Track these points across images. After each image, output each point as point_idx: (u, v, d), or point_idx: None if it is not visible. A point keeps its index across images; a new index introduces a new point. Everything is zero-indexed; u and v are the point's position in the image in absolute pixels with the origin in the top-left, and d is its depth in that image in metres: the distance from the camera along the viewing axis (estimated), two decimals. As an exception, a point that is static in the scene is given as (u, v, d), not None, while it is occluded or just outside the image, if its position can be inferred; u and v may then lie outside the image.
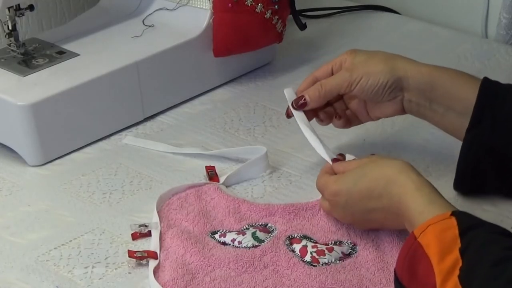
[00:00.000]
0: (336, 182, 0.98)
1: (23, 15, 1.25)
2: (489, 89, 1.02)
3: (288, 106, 1.10)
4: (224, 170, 1.13)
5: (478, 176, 1.03)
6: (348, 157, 1.05)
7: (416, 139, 1.20)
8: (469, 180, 1.04)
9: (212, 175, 1.12)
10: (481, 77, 1.04)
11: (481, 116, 1.01)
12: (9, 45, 1.25)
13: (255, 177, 1.13)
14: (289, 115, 1.11)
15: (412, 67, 1.06)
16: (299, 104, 1.08)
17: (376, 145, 1.19)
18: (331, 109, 1.12)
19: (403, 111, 1.08)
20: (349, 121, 1.12)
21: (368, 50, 1.10)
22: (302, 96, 1.08)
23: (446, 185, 1.09)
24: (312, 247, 0.98)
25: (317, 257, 0.96)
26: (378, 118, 1.11)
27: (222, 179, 1.11)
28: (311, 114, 1.10)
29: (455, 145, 1.05)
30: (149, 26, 1.32)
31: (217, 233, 1.02)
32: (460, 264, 0.79)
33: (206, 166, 1.14)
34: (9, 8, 1.22)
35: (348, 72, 1.07)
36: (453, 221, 0.83)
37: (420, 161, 1.14)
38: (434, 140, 1.19)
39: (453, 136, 1.06)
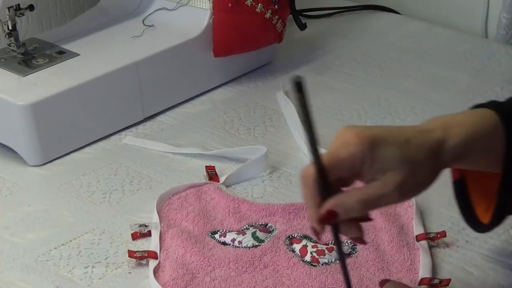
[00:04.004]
0: None
1: (23, 15, 1.25)
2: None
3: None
4: (224, 170, 1.13)
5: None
6: None
7: (416, 139, 1.20)
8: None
9: (212, 175, 1.12)
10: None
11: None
12: (9, 45, 1.25)
13: (255, 177, 1.13)
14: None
15: (449, 162, 0.86)
16: (326, 218, 0.81)
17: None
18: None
19: None
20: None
21: (377, 133, 0.83)
22: (331, 209, 0.80)
23: (444, 185, 1.09)
24: (312, 247, 0.98)
25: (317, 257, 0.96)
26: None
27: (222, 179, 1.11)
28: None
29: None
30: (149, 26, 1.32)
31: (217, 233, 1.02)
32: None
33: (206, 166, 1.14)
34: (9, 8, 1.23)
35: (398, 193, 0.81)
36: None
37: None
38: (434, 140, 1.18)
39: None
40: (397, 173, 0.81)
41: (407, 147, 0.82)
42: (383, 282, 0.87)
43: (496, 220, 0.88)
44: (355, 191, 0.81)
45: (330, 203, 0.79)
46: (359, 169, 0.80)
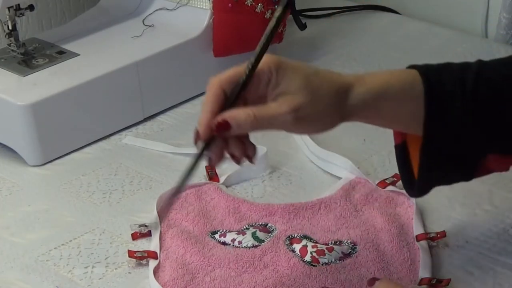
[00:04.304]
0: None
1: (23, 15, 1.25)
2: (434, 105, 0.89)
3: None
4: (224, 170, 1.13)
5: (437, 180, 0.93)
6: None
7: (416, 139, 1.20)
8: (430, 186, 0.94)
9: (212, 175, 1.12)
10: None
11: (432, 137, 0.89)
12: (9, 45, 1.25)
13: (255, 177, 1.13)
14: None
15: (358, 102, 0.87)
16: (219, 126, 0.83)
17: (376, 145, 1.19)
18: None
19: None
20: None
21: (301, 65, 0.87)
22: (224, 118, 0.83)
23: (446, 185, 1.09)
24: (312, 247, 0.98)
25: (317, 257, 0.96)
26: None
27: (222, 179, 1.11)
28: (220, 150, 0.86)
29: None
30: (149, 26, 1.32)
31: (217, 233, 1.02)
32: None
33: (206, 166, 1.13)
34: (9, 8, 1.23)
35: (292, 118, 0.84)
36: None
37: (420, 161, 1.14)
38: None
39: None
40: (296, 97, 0.83)
41: (314, 78, 0.84)
42: (371, 281, 0.88)
43: (424, 183, 0.91)
44: (252, 108, 0.83)
45: (227, 114, 0.82)
46: (265, 90, 0.84)
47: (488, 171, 0.94)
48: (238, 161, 0.86)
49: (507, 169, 0.94)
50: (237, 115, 0.83)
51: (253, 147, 0.87)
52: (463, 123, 0.89)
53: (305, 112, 0.84)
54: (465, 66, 0.93)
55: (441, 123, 0.89)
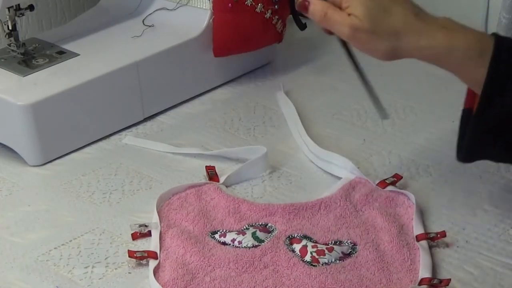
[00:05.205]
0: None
1: (23, 15, 1.25)
2: (497, 73, 0.94)
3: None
4: (224, 170, 1.13)
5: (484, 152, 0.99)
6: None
7: (416, 139, 1.20)
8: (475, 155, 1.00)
9: (212, 175, 1.12)
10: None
11: (490, 102, 0.94)
12: (9, 45, 1.25)
13: (255, 177, 1.13)
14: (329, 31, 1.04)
15: (416, 51, 0.98)
16: (301, 5, 1.00)
17: (376, 145, 1.19)
18: None
19: None
20: None
21: None
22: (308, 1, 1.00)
23: (446, 185, 1.09)
24: (312, 247, 0.98)
25: (317, 257, 0.96)
26: None
27: (222, 179, 1.11)
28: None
29: (455, 145, 1.05)
30: (149, 26, 1.32)
31: (217, 233, 1.02)
32: None
33: (206, 166, 1.14)
34: (9, 8, 1.23)
35: (349, 32, 0.99)
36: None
37: (420, 161, 1.14)
38: (434, 139, 1.19)
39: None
40: (358, 21, 0.96)
41: (379, 12, 0.97)
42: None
43: (470, 150, 0.96)
44: (329, 6, 0.99)
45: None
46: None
47: None
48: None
49: None
50: (314, 6, 0.99)
51: None
52: None
53: (361, 35, 0.98)
54: None
55: (499, 92, 0.93)
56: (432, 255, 0.97)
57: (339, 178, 1.11)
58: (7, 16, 1.23)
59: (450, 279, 0.92)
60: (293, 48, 1.46)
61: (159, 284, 0.93)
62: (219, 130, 1.24)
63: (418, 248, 0.97)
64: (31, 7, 1.25)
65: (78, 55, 1.25)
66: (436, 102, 1.29)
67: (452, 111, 1.14)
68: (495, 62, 0.93)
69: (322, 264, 0.96)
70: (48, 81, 1.19)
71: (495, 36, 0.95)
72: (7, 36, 1.25)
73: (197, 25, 1.30)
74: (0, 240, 1.03)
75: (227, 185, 1.11)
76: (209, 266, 0.96)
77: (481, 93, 0.92)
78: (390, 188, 1.08)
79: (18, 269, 0.98)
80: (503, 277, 0.94)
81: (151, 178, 1.13)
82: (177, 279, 0.93)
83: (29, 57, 1.24)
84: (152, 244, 1.00)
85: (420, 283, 0.92)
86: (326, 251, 0.97)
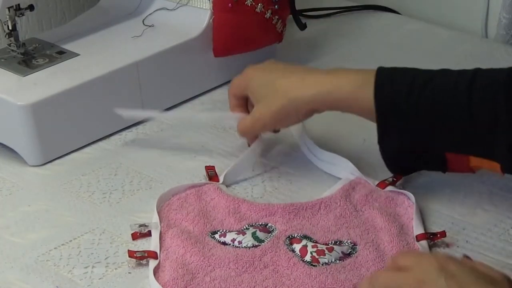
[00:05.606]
0: None
1: (23, 15, 1.25)
2: (384, 100, 1.02)
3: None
4: (221, 169, 1.13)
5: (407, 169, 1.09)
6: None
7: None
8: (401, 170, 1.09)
9: (212, 175, 1.12)
10: None
11: (386, 132, 1.03)
12: (9, 45, 1.25)
13: (252, 168, 1.13)
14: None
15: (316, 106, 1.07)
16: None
17: (376, 145, 1.18)
18: None
19: None
20: None
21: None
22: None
23: (444, 185, 1.09)
24: (312, 247, 0.98)
25: (317, 257, 0.96)
26: None
27: (221, 179, 1.11)
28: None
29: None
30: (149, 26, 1.32)
31: (217, 233, 1.02)
32: None
33: (206, 166, 1.14)
34: (9, 8, 1.22)
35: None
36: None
37: (420, 161, 1.14)
38: (434, 140, 1.19)
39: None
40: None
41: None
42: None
43: (392, 168, 1.07)
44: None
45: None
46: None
47: (457, 169, 1.03)
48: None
49: (471, 170, 1.02)
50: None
51: None
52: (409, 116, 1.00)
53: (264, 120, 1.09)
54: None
55: (390, 114, 1.01)
56: (432, 255, 0.97)
57: (339, 178, 1.11)
58: (7, 16, 1.23)
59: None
60: (293, 48, 1.46)
61: (159, 284, 0.93)
62: (219, 130, 1.24)
63: (418, 248, 0.97)
64: (31, 7, 1.25)
65: (78, 55, 1.25)
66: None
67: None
68: (378, 87, 1.01)
69: (322, 264, 0.96)
70: (48, 81, 1.19)
71: (378, 68, 1.03)
72: (7, 36, 1.24)
73: (197, 25, 1.30)
74: (0, 240, 1.03)
75: (226, 184, 1.11)
76: (209, 266, 0.96)
77: (377, 118, 1.02)
78: (390, 188, 1.08)
79: (18, 269, 0.98)
80: (503, 277, 0.94)
81: (151, 178, 1.13)
82: (177, 279, 0.93)
83: (29, 57, 1.24)
84: (152, 244, 1.00)
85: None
86: (326, 251, 0.97)
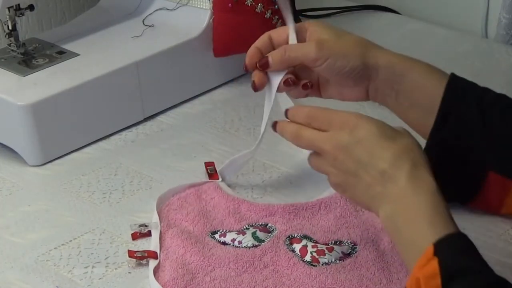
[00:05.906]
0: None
1: (23, 15, 1.25)
2: (455, 89, 0.98)
3: (253, 73, 1.05)
4: (217, 166, 1.13)
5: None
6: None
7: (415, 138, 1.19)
8: None
9: (211, 171, 1.12)
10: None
11: (446, 118, 0.98)
12: (9, 45, 1.25)
13: (248, 160, 1.12)
14: (256, 88, 1.04)
15: (384, 56, 1.01)
16: (261, 63, 1.02)
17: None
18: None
19: (366, 97, 1.04)
20: (308, 92, 1.06)
21: (335, 27, 1.03)
22: (266, 56, 1.02)
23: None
24: (312, 247, 0.98)
25: (317, 257, 0.96)
26: (339, 98, 1.07)
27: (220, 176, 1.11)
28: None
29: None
30: (149, 26, 1.32)
31: (217, 233, 1.02)
32: None
33: (205, 163, 1.13)
34: (9, 8, 1.23)
35: (316, 46, 0.99)
36: (436, 265, 0.79)
37: (420, 161, 1.14)
38: (434, 140, 1.18)
39: (417, 132, 1.01)
40: (322, 34, 1.00)
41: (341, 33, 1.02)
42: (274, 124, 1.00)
43: None
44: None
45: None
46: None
47: (485, 202, 1.00)
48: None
49: (496, 210, 1.01)
50: (272, 53, 1.02)
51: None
52: (471, 127, 0.96)
53: (328, 45, 1.00)
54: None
55: (454, 116, 0.97)
56: (432, 255, 0.97)
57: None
58: (7, 16, 1.23)
59: None
60: (293, 48, 1.45)
61: (159, 284, 0.93)
62: (219, 130, 1.24)
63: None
64: (31, 7, 1.25)
65: (78, 55, 1.25)
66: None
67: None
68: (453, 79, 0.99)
69: (322, 264, 0.96)
70: (48, 81, 1.19)
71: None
72: (7, 36, 1.25)
73: (197, 25, 1.30)
74: (0, 240, 1.03)
75: (227, 183, 1.11)
76: (209, 266, 0.96)
77: (442, 100, 0.98)
78: (390, 188, 1.07)
79: (18, 269, 0.98)
80: (503, 277, 0.94)
81: (151, 178, 1.13)
82: (177, 279, 0.93)
83: (29, 57, 1.24)
84: (152, 244, 1.00)
85: None
86: (326, 251, 0.97)
